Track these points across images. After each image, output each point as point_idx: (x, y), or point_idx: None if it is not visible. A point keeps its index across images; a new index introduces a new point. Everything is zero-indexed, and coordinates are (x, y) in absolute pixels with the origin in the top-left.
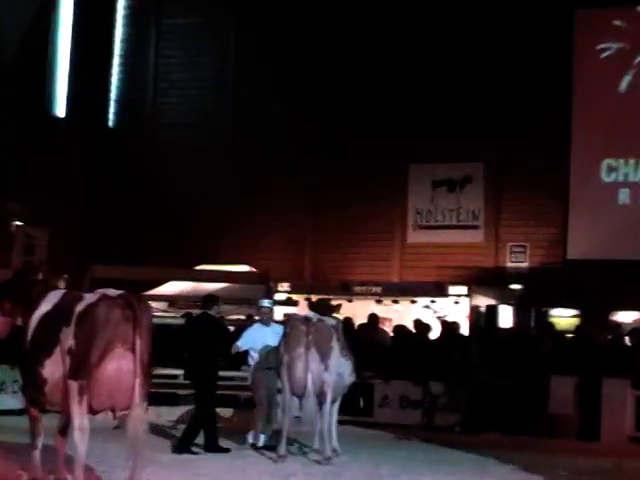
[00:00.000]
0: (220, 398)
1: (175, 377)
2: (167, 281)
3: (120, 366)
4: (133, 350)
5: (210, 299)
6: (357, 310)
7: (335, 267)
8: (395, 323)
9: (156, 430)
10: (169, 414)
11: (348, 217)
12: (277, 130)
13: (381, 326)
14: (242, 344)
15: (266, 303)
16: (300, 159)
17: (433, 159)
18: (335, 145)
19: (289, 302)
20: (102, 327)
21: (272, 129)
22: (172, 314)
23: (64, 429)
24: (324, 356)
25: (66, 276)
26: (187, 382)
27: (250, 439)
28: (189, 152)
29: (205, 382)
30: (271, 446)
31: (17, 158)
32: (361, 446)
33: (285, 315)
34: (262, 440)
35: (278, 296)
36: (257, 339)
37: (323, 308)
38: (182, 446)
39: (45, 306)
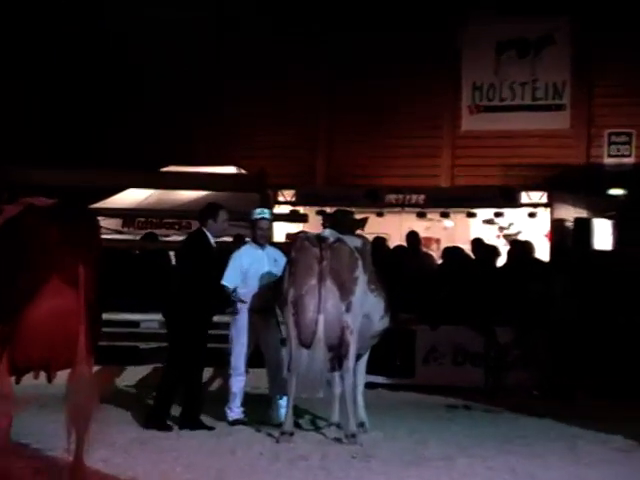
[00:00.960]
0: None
1: (136, 324)
2: (122, 190)
3: (57, 306)
4: (75, 283)
5: (207, 210)
6: (391, 227)
7: (359, 167)
8: (445, 245)
9: (111, 398)
10: (128, 376)
11: (377, 98)
12: None
13: (425, 249)
14: (229, 280)
15: (266, 214)
16: (309, 15)
17: (497, 11)
18: None
19: (295, 217)
20: (29, 251)
21: None
22: (129, 235)
23: None
24: (345, 291)
25: None
26: (154, 332)
27: (230, 414)
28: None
29: (192, 331)
30: (274, 421)
31: None
32: (399, 418)
33: (289, 235)
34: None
35: (279, 209)
36: (249, 268)
37: (343, 223)
38: (154, 419)
39: None
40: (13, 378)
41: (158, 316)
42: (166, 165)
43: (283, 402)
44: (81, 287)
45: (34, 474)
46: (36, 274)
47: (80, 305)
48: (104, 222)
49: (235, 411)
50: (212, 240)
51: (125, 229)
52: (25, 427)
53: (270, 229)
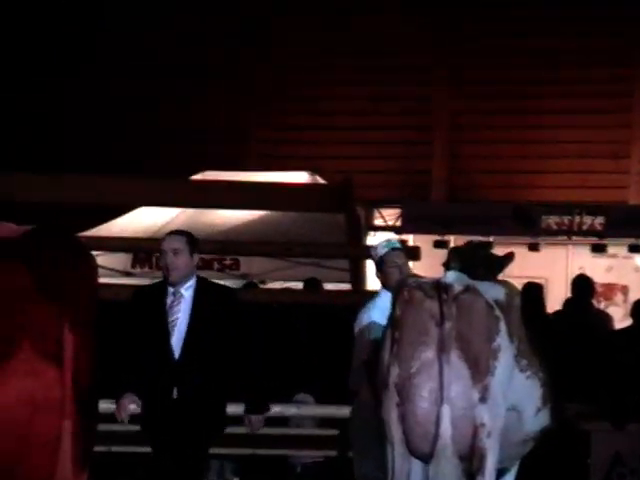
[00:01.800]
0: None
1: None
2: (132, 208)
3: (26, 390)
4: (57, 356)
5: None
6: (552, 267)
7: (500, 175)
8: (637, 295)
9: None
10: None
11: (526, 61)
12: None
13: (601, 303)
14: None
15: (396, 244)
16: None
17: None
18: None
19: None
20: None
21: None
22: (142, 279)
23: None
24: (479, 369)
25: None
26: None
27: None
28: None
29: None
30: None
31: None
32: None
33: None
34: None
35: (374, 238)
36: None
37: (476, 262)
38: None
39: None
40: None
41: None
42: (197, 170)
43: None
44: (67, 362)
45: None
46: None
47: (65, 390)
48: (103, 259)
49: None
50: (170, 290)
51: (137, 270)
52: None
53: (407, 265)
